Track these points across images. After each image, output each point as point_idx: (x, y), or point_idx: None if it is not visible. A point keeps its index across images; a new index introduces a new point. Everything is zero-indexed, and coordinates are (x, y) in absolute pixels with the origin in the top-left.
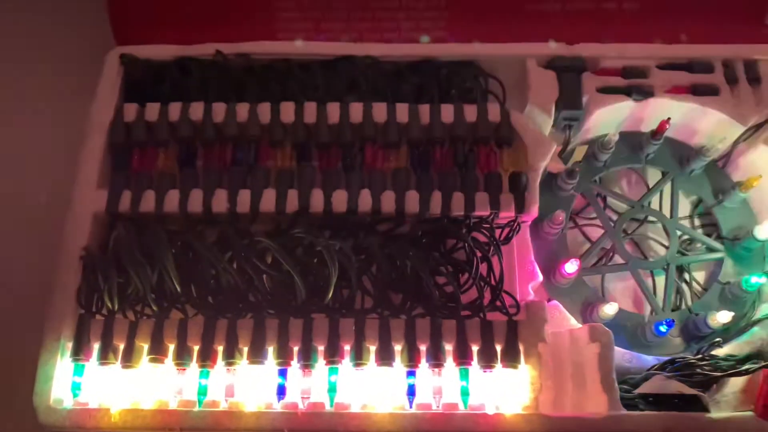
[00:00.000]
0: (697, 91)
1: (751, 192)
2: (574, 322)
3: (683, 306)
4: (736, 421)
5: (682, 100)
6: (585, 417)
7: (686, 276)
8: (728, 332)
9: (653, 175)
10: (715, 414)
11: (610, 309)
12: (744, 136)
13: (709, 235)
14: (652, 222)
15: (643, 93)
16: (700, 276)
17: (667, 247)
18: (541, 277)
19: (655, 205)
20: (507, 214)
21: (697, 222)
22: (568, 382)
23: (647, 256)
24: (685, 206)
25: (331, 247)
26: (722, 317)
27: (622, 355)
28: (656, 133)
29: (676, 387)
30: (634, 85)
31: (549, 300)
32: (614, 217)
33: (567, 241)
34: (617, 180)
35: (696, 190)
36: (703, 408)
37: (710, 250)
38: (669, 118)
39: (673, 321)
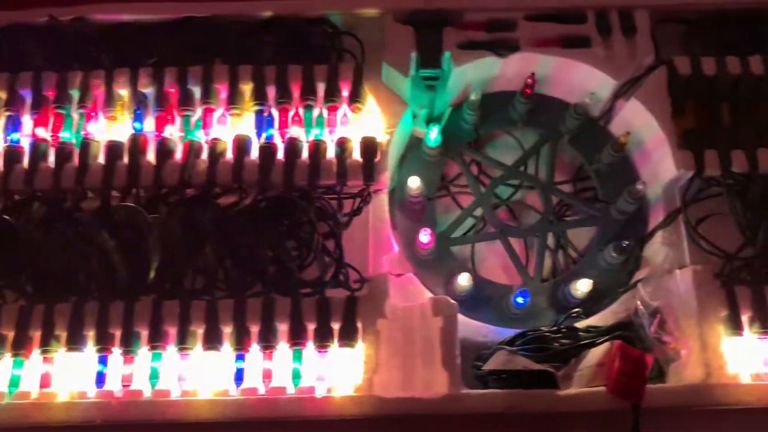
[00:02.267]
0: (567, 44)
1: (632, 151)
2: (430, 296)
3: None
4: (586, 398)
5: (550, 54)
6: (423, 397)
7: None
8: (598, 302)
9: (532, 138)
10: (564, 390)
11: (462, 280)
12: (622, 91)
13: (589, 200)
14: (531, 187)
15: (507, 47)
16: (581, 243)
17: (543, 214)
18: (396, 249)
19: (537, 170)
20: (357, 183)
21: (580, 186)
22: (416, 360)
23: (522, 223)
24: (567, 169)
25: (153, 223)
26: (582, 286)
27: (477, 329)
28: (524, 92)
29: (523, 362)
30: (497, 39)
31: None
32: None
33: (435, 209)
34: (495, 144)
35: (576, 152)
36: (555, 384)
37: (589, 215)
38: (533, 74)
39: (527, 291)
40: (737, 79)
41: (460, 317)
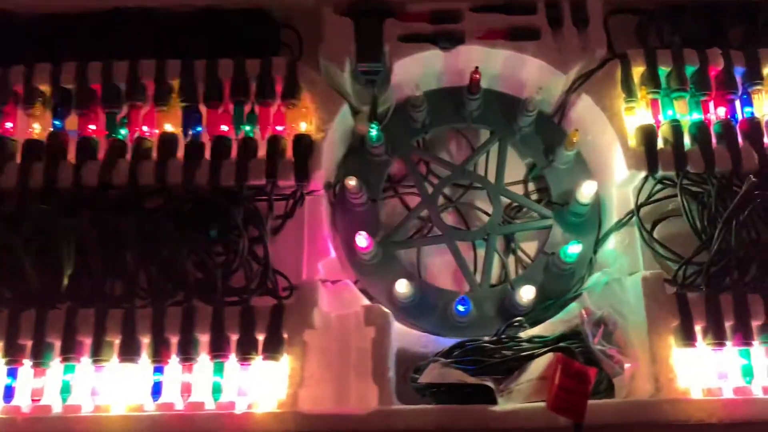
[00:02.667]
0: (516, 36)
1: (584, 149)
2: (366, 303)
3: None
4: (524, 414)
5: (496, 47)
6: (349, 413)
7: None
8: (545, 310)
9: (484, 136)
10: (501, 407)
11: (400, 286)
12: (574, 86)
13: (541, 201)
14: (480, 188)
15: (450, 40)
16: (532, 247)
17: (492, 216)
18: (333, 254)
19: (489, 170)
20: (289, 183)
21: (532, 186)
22: (350, 372)
23: (471, 226)
24: (520, 169)
25: (68, 228)
26: (526, 293)
27: (419, 339)
28: (470, 86)
29: (457, 375)
30: (441, 31)
31: (356, 281)
32: None
33: (379, 212)
34: (445, 143)
35: (529, 151)
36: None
37: (540, 217)
38: (477, 68)
39: (467, 299)
40: (695, 73)
41: (401, 327)
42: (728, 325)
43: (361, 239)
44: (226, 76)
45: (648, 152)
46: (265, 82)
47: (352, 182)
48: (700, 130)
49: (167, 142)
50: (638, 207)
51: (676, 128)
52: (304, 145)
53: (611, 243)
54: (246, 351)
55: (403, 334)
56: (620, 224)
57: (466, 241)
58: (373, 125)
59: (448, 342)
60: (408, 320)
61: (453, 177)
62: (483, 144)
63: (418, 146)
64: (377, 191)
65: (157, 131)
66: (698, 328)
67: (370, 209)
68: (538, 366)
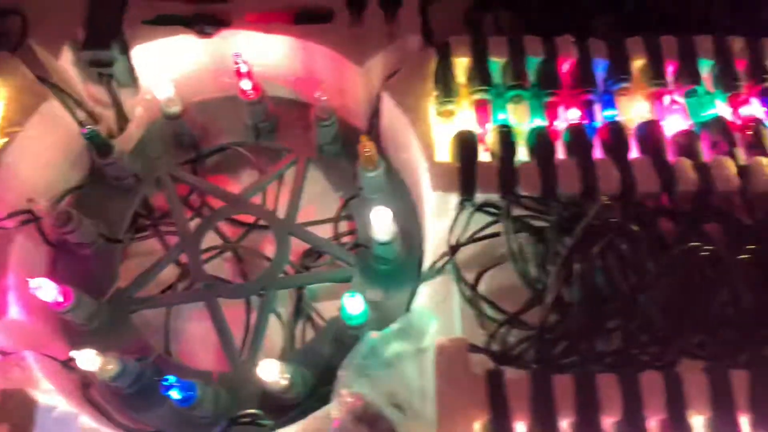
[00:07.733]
0: (301, 18)
1: (402, 170)
2: (46, 386)
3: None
4: None
5: (273, 32)
6: None
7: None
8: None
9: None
10: None
11: (82, 360)
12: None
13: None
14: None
15: (208, 22)
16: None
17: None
18: (13, 314)
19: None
20: None
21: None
22: None
23: (248, 276)
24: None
25: None
26: (266, 371)
27: None
28: (239, 80)
29: None
30: (200, 13)
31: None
32: None
33: (116, 258)
34: (234, 165)
35: (335, 176)
36: None
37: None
38: (238, 54)
39: (191, 384)
40: (541, 66)
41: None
42: (566, 423)
43: (43, 290)
44: None
45: (462, 167)
46: None
47: (41, 203)
48: (540, 139)
49: None
50: (454, 246)
51: (505, 135)
52: None
53: (423, 297)
54: None
55: None
56: (432, 271)
57: (233, 298)
58: (87, 129)
59: None
60: (130, 414)
61: (225, 211)
62: (273, 168)
63: (193, 171)
64: (119, 228)
65: None
66: (520, 427)
67: (103, 253)
68: None
